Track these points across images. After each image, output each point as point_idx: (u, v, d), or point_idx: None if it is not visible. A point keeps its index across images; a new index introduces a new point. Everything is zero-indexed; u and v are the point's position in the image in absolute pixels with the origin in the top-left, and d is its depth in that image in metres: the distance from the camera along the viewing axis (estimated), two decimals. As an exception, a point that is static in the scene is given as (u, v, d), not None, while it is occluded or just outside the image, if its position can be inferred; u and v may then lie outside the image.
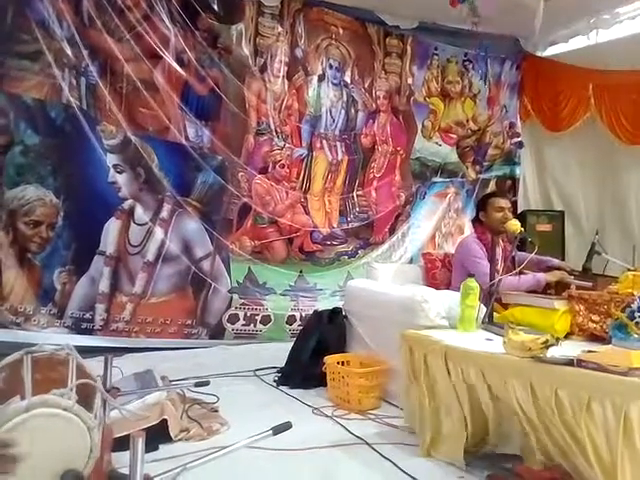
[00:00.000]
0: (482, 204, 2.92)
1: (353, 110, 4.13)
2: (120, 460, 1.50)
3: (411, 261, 4.19)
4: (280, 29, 3.83)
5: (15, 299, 3.12)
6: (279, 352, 3.02)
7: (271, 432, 1.46)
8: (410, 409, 2.01)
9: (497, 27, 4.42)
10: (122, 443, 1.44)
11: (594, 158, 4.29)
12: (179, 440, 1.95)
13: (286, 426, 1.48)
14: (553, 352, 1.57)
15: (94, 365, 1.55)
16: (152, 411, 1.89)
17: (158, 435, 1.86)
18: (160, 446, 1.88)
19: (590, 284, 2.39)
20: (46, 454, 1.12)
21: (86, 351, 1.87)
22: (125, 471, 1.28)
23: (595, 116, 4.18)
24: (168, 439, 1.92)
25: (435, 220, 4.49)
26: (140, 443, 1.14)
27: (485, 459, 1.80)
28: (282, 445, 1.85)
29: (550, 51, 4.54)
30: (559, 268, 2.78)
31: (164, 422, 1.91)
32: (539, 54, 4.60)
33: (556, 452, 1.55)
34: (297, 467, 1.81)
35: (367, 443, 2.01)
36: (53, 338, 2.97)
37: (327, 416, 2.32)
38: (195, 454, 1.74)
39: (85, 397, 1.26)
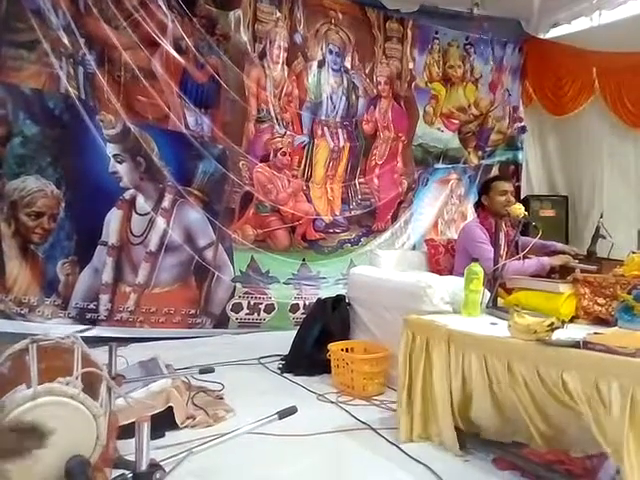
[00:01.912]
0: (485, 188, 2.90)
1: (354, 96, 4.10)
2: (126, 448, 1.51)
3: (414, 248, 4.17)
4: (279, 14, 3.79)
5: (19, 290, 3.12)
6: (283, 340, 3.02)
7: (277, 416, 1.46)
8: (402, 393, 1.99)
9: (498, 9, 4.37)
10: (128, 431, 1.45)
11: (597, 142, 4.24)
12: (185, 427, 1.96)
13: (291, 410, 1.48)
14: (559, 335, 1.56)
15: (99, 354, 1.55)
16: (157, 399, 1.89)
17: (164, 422, 1.87)
18: (166, 433, 1.89)
19: (595, 267, 2.37)
20: (52, 442, 1.12)
21: (91, 341, 1.87)
22: (131, 458, 1.29)
23: (599, 99, 4.13)
24: (174, 426, 1.93)
25: (437, 207, 4.47)
26: (145, 428, 1.14)
27: (490, 443, 1.80)
28: (287, 430, 1.86)
29: (552, 33, 4.48)
30: (563, 252, 2.76)
31: (170, 409, 1.92)
32: (541, 36, 4.54)
33: (557, 435, 1.54)
34: (303, 451, 1.82)
35: (372, 428, 2.02)
36: (58, 329, 2.98)
37: (332, 402, 2.33)
38: (201, 440, 1.75)
39: (90, 385, 1.26)
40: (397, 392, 2.02)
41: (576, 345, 1.46)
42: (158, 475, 1.19)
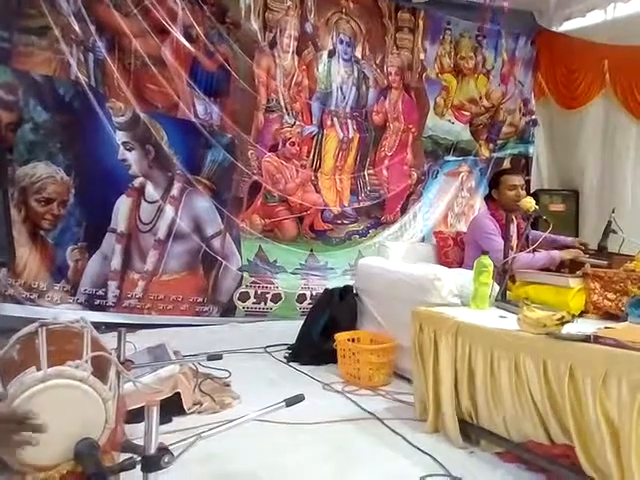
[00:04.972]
0: (494, 181, 2.87)
1: (364, 86, 4.06)
2: (133, 432, 1.52)
3: (423, 240, 4.15)
4: (289, 3, 3.75)
5: (29, 276, 3.15)
6: (289, 330, 3.03)
7: (284, 404, 1.47)
8: (417, 386, 2.01)
9: (512, 1, 4.30)
10: (135, 415, 1.46)
11: (608, 136, 4.19)
12: (192, 413, 1.98)
13: (299, 398, 1.49)
14: (568, 329, 1.55)
15: (107, 340, 1.56)
16: (165, 384, 1.91)
17: (172, 408, 1.88)
18: (173, 419, 1.91)
19: (605, 262, 2.35)
20: (62, 424, 1.13)
21: (99, 327, 1.89)
22: (139, 442, 1.30)
23: (610, 93, 4.07)
24: (181, 412, 1.95)
25: (447, 199, 4.44)
26: (155, 412, 1.15)
27: (496, 435, 1.80)
28: (293, 419, 1.87)
29: (566, 26, 4.41)
30: (574, 247, 2.73)
31: (177, 395, 1.93)
32: (555, 29, 4.47)
33: (560, 432, 1.53)
34: (308, 439, 1.84)
35: (377, 418, 2.03)
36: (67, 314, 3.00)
37: (337, 392, 2.34)
38: (208, 426, 1.76)
39: (100, 369, 1.27)
40: (413, 383, 2.03)
41: (586, 339, 1.45)
42: (166, 459, 1.19)
